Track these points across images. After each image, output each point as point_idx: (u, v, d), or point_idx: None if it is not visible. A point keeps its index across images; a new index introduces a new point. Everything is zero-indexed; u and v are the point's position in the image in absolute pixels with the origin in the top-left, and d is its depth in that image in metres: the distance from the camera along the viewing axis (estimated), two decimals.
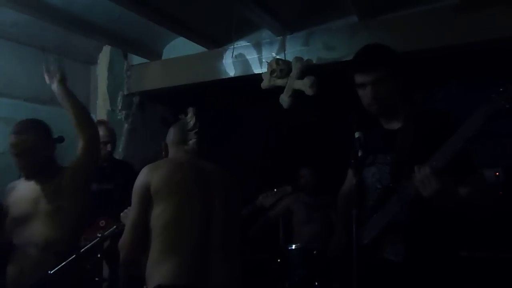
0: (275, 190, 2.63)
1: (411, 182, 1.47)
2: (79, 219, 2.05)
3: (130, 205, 1.66)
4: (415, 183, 1.44)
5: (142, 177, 1.63)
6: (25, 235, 1.96)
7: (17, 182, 2.15)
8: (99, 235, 1.70)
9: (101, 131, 3.02)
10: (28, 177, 2.06)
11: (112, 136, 3.12)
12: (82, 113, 2.15)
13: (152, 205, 1.58)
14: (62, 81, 2.19)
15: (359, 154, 1.50)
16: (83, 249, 1.64)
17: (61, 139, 2.84)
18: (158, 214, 1.56)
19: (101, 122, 3.15)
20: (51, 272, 1.60)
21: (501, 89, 1.28)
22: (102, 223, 2.75)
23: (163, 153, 1.82)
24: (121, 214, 1.83)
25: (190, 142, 1.77)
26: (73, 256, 1.62)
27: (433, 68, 3.53)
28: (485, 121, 1.32)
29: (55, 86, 2.22)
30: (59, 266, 1.60)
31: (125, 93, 3.97)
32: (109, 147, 3.04)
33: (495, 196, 1.71)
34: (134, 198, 1.62)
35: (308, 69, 3.08)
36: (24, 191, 2.05)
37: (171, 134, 1.85)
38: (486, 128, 1.32)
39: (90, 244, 1.66)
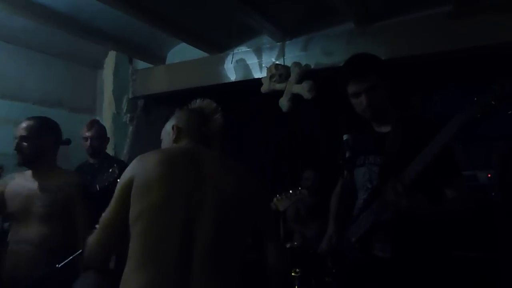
0: (290, 192, 2.54)
1: (386, 189, 1.54)
2: (76, 221, 2.06)
3: None
4: (388, 200, 1.53)
5: (128, 169, 1.39)
6: (20, 231, 2.02)
7: (16, 175, 2.18)
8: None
9: (91, 129, 3.13)
10: (25, 164, 2.09)
11: (100, 132, 3.20)
12: None
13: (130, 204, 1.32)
14: None
15: (347, 155, 1.58)
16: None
17: (68, 141, 2.95)
18: (135, 216, 1.30)
19: (92, 121, 3.26)
20: (59, 265, 1.69)
21: (475, 99, 1.37)
22: None
23: (173, 137, 1.54)
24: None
25: (208, 127, 1.51)
26: (79, 251, 1.70)
27: (430, 72, 3.60)
28: (459, 129, 1.41)
29: None
30: (67, 260, 1.69)
31: (130, 96, 4.10)
32: (95, 143, 3.13)
33: (473, 202, 1.77)
34: (115, 193, 1.38)
35: (306, 74, 3.17)
36: (21, 187, 2.08)
37: (182, 118, 1.57)
38: (460, 135, 1.41)
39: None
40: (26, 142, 2.06)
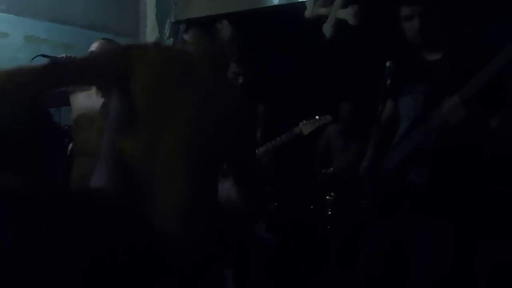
0: (316, 118, 2.61)
1: (441, 110, 1.54)
2: None
3: None
4: (444, 111, 1.52)
5: None
6: (83, 140, 2.11)
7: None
8: None
9: None
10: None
11: None
12: None
13: None
14: None
15: (388, 82, 1.57)
16: None
17: None
18: None
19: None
20: None
21: None
22: None
23: None
24: None
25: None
26: None
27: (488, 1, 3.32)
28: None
29: None
30: None
31: (173, 20, 4.09)
32: None
33: None
34: None
35: None
36: (85, 98, 2.17)
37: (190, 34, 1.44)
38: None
39: None
40: None
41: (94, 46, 2.24)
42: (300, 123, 2.55)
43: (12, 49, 3.29)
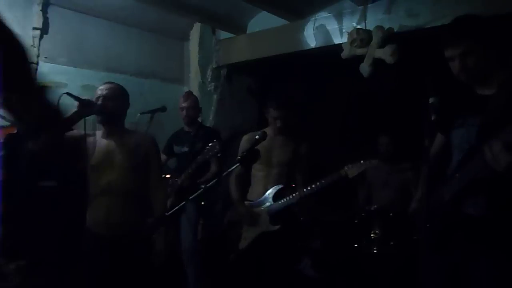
0: (361, 161, 2.58)
1: (484, 159, 1.53)
2: (150, 172, 2.36)
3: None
4: (487, 161, 1.52)
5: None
6: (103, 182, 2.26)
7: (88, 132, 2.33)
8: (202, 186, 2.00)
9: (187, 100, 3.42)
10: (106, 121, 2.31)
11: (195, 103, 3.49)
12: None
13: None
14: None
15: (433, 118, 1.61)
16: (191, 197, 1.96)
17: (164, 109, 3.29)
18: None
19: (187, 93, 3.56)
20: (168, 213, 1.97)
21: None
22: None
23: None
24: None
25: None
26: (183, 203, 1.96)
27: None
28: None
29: None
30: (174, 209, 1.96)
31: (214, 66, 4.33)
32: (191, 112, 3.42)
33: None
34: None
35: (389, 38, 3.12)
36: (101, 143, 2.33)
37: None
38: None
39: (195, 194, 1.98)
40: (109, 102, 2.29)
41: (103, 90, 2.33)
42: (346, 166, 2.56)
43: (70, 97, 3.57)
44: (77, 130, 2.38)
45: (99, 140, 2.36)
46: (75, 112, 2.18)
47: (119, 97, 2.35)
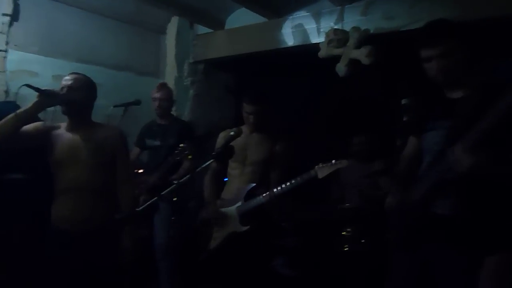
0: (332, 162, 2.56)
1: (449, 161, 1.58)
2: (117, 167, 2.31)
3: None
4: (450, 163, 1.56)
5: None
6: (68, 178, 2.20)
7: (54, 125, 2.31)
8: (175, 182, 1.97)
9: (160, 91, 3.37)
10: (70, 113, 2.25)
11: (168, 95, 3.44)
12: None
13: None
14: None
15: (404, 119, 1.64)
16: (163, 192, 1.93)
17: (138, 102, 3.23)
18: None
19: (161, 84, 3.51)
20: (138, 209, 1.94)
21: None
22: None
23: None
24: None
25: None
26: (156, 198, 1.92)
27: (501, 36, 3.42)
28: None
29: None
30: (145, 205, 1.93)
31: (191, 61, 4.28)
32: (163, 104, 3.37)
33: None
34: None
35: (365, 39, 3.16)
36: (65, 137, 2.26)
37: None
38: None
39: (168, 190, 1.95)
40: (74, 92, 2.22)
41: (68, 80, 2.27)
42: (316, 166, 2.53)
43: (40, 87, 3.46)
44: (41, 122, 2.32)
45: (64, 133, 2.28)
46: (35, 103, 2.11)
47: (84, 88, 2.28)
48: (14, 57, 3.29)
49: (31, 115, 2.14)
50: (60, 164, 2.23)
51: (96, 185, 2.23)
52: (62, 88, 2.24)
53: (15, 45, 3.29)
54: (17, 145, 2.21)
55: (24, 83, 2.13)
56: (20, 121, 2.10)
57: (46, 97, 2.13)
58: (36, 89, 2.12)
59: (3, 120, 2.09)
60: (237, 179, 2.74)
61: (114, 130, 2.40)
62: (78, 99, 2.24)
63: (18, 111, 2.11)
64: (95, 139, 2.27)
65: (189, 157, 2.83)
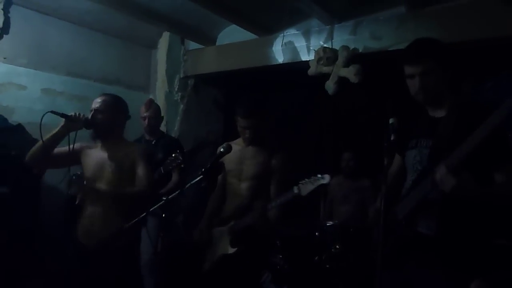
0: (313, 177, 2.42)
1: (433, 181, 1.59)
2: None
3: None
4: (435, 182, 1.58)
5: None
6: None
7: (89, 144, 2.41)
8: (164, 198, 1.96)
9: (149, 109, 3.37)
10: (98, 137, 2.34)
11: (156, 112, 3.44)
12: None
13: None
14: None
15: (392, 138, 1.66)
16: (151, 208, 1.93)
17: (128, 117, 3.21)
18: None
19: (149, 101, 3.51)
20: (127, 225, 1.92)
21: None
22: None
23: None
24: None
25: None
26: (144, 214, 1.91)
27: (484, 58, 3.52)
28: (501, 122, 1.45)
29: None
30: (133, 221, 1.92)
31: (182, 76, 4.30)
32: (152, 122, 3.37)
33: None
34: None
35: (354, 58, 3.22)
36: (94, 156, 2.35)
37: None
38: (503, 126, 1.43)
39: (157, 206, 1.94)
40: (100, 115, 2.29)
41: (97, 102, 2.34)
42: (300, 182, 2.39)
43: (29, 100, 3.44)
44: (78, 143, 2.34)
45: (95, 152, 2.37)
46: (61, 128, 2.21)
47: (111, 110, 2.35)
48: (3, 69, 3.27)
49: (57, 140, 2.23)
50: (89, 180, 2.29)
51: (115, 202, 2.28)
52: (90, 111, 2.32)
53: (4, 58, 3.28)
54: (54, 167, 2.40)
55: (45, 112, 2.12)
56: (47, 147, 2.20)
57: (71, 122, 2.21)
58: (62, 115, 2.19)
59: (33, 148, 2.24)
60: (234, 194, 2.66)
61: (136, 147, 2.47)
62: (102, 122, 2.30)
63: (44, 138, 2.17)
64: (118, 156, 2.33)
65: (182, 166, 2.82)
